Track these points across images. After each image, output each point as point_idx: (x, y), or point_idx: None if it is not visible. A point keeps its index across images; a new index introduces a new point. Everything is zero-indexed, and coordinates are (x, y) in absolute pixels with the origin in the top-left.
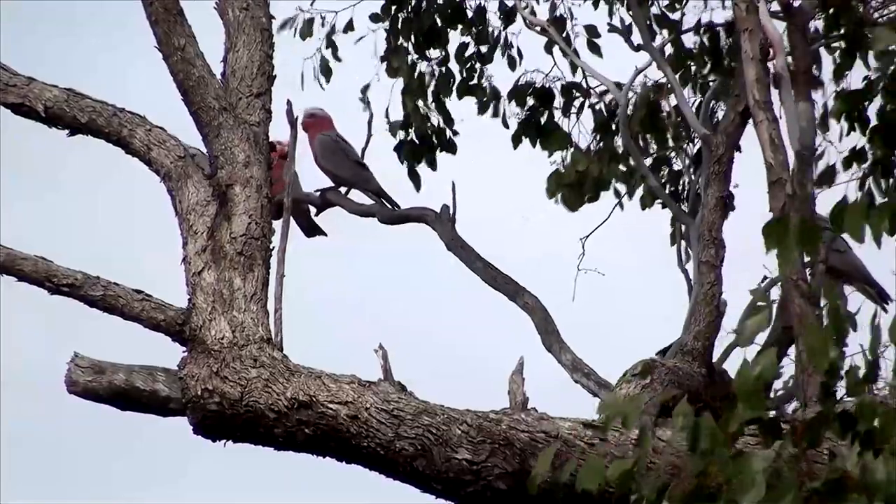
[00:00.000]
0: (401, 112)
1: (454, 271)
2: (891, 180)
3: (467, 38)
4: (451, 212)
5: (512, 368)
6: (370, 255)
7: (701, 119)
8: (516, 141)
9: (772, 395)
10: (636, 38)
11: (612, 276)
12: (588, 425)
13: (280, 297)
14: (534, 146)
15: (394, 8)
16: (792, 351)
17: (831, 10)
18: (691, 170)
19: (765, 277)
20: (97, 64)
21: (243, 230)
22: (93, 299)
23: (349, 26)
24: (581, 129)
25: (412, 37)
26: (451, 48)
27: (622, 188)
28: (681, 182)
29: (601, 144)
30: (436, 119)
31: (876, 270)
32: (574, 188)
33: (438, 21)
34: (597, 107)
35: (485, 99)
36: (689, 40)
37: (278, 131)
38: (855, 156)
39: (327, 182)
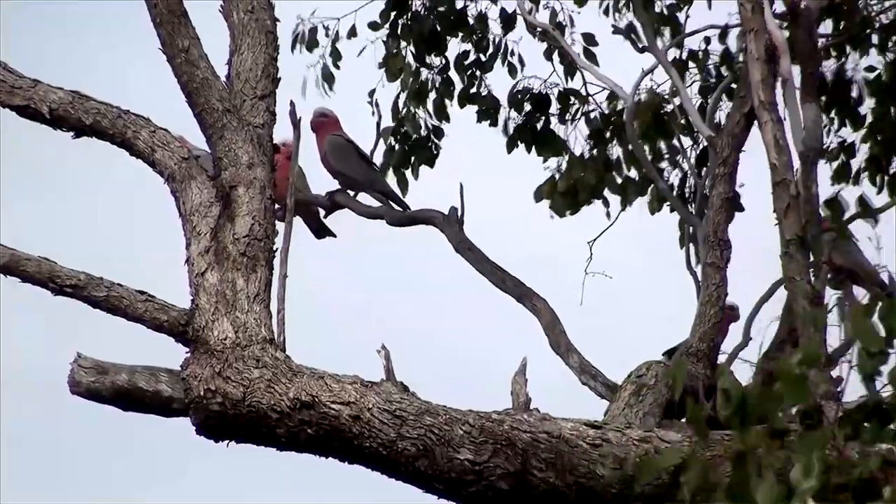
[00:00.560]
0: (392, 117)
1: (462, 273)
2: (886, 177)
3: (468, 46)
4: (460, 214)
5: (516, 370)
6: (377, 257)
7: (707, 121)
8: (511, 146)
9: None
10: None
11: (620, 278)
12: (590, 425)
13: (283, 297)
14: (528, 152)
15: (393, 14)
16: None
17: (835, 14)
18: (694, 171)
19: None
20: (97, 64)
21: (246, 231)
22: (96, 300)
23: (352, 32)
24: (578, 135)
25: (412, 43)
26: (451, 55)
27: (614, 198)
28: (686, 184)
29: (594, 152)
30: (424, 130)
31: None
32: (566, 195)
33: (438, 27)
34: (591, 114)
35: (485, 108)
36: (695, 43)
37: (282, 133)
38: (843, 150)
39: (333, 183)
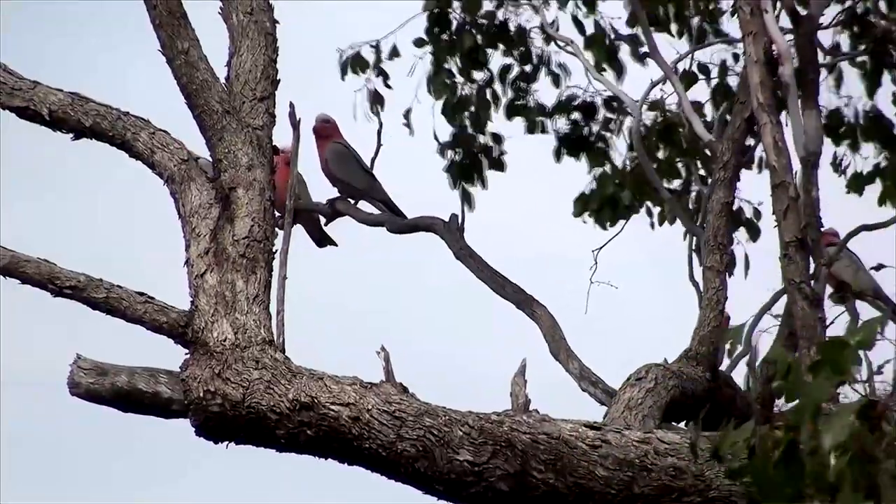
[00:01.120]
0: (443, 131)
1: (462, 280)
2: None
3: (510, 60)
4: (460, 221)
5: (515, 371)
6: (377, 264)
7: (715, 132)
8: (558, 155)
9: None
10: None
11: (623, 285)
12: (590, 427)
13: (282, 299)
14: (577, 160)
15: (436, 30)
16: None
17: (855, 28)
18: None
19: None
20: (97, 64)
21: (246, 233)
22: (96, 301)
23: (394, 53)
24: (624, 142)
25: (458, 57)
26: (494, 68)
27: (655, 209)
28: (689, 195)
29: (636, 162)
30: (483, 139)
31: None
32: (604, 209)
33: (480, 40)
34: (625, 125)
35: (534, 119)
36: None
37: (282, 136)
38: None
39: (333, 190)
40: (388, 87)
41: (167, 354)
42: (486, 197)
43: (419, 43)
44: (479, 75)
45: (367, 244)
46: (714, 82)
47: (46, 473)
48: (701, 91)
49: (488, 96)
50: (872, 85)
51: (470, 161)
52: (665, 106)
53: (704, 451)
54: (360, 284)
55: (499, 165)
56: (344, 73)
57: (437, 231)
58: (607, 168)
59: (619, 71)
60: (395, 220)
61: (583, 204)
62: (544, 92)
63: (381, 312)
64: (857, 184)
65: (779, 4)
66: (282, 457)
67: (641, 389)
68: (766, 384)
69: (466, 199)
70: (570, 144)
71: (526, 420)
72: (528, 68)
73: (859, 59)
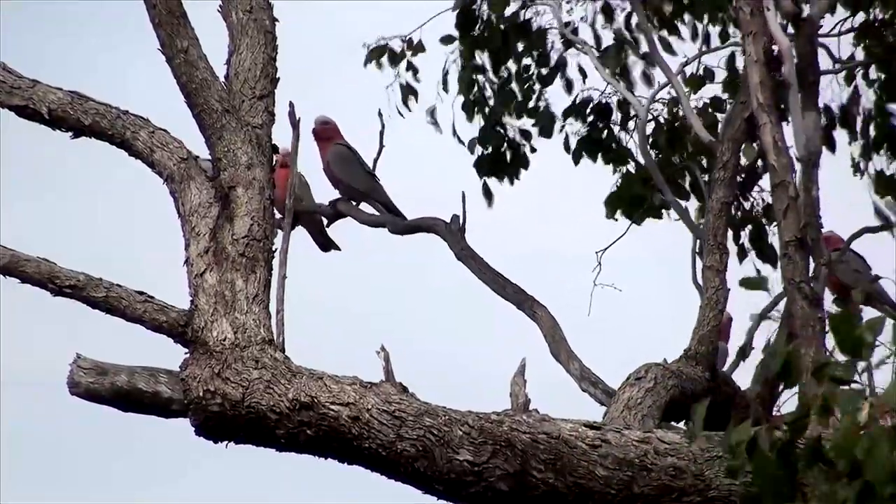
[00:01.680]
0: (467, 125)
1: (463, 281)
2: None
3: (528, 60)
4: (461, 222)
5: (515, 371)
6: (379, 264)
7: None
8: (577, 158)
9: None
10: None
11: (626, 286)
12: (590, 426)
13: (282, 298)
14: (594, 161)
15: (465, 26)
16: None
17: (866, 40)
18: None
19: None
20: (97, 63)
21: (245, 232)
22: (95, 301)
23: (419, 48)
24: (635, 143)
25: (488, 53)
26: (513, 68)
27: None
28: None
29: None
30: (512, 133)
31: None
32: (635, 205)
33: (507, 40)
34: (635, 123)
35: (545, 122)
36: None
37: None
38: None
39: (335, 192)
40: (418, 80)
41: (167, 354)
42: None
43: (447, 40)
44: (493, 76)
45: (368, 245)
46: (720, 85)
47: (46, 473)
48: (716, 91)
49: (494, 97)
50: (881, 103)
51: (497, 157)
52: (673, 109)
53: (704, 451)
54: (360, 285)
55: (523, 162)
56: (369, 62)
57: (439, 232)
58: (631, 167)
59: (629, 82)
60: (397, 222)
61: (614, 204)
62: (558, 96)
63: (381, 313)
64: (886, 184)
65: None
66: (282, 456)
67: (641, 389)
68: (765, 384)
69: (487, 194)
70: (589, 147)
71: (526, 420)
72: (544, 71)
73: (869, 70)
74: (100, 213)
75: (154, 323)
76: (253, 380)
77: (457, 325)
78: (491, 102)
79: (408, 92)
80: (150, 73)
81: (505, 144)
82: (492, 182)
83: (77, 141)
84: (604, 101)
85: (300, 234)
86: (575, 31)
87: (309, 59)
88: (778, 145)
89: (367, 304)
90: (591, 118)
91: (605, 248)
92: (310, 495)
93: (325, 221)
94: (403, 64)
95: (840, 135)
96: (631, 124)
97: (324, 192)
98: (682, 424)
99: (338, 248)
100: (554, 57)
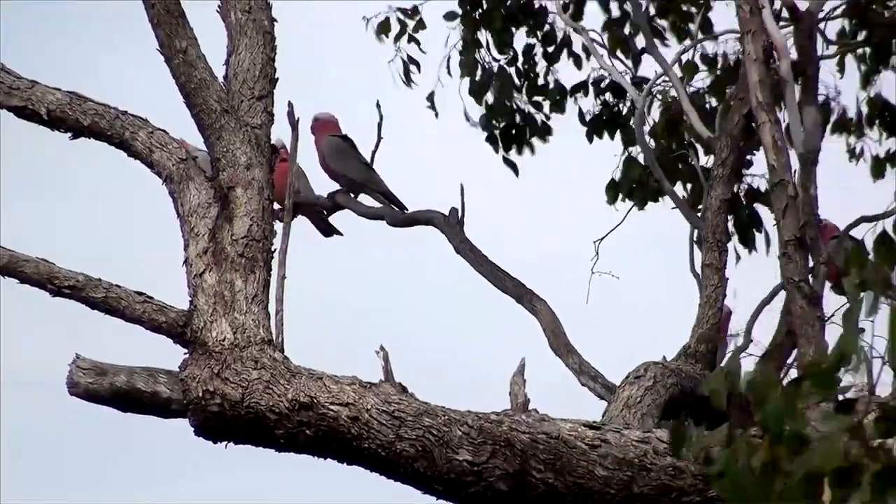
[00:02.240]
0: (476, 107)
1: (462, 274)
2: None
3: (532, 40)
4: (460, 215)
5: (514, 370)
6: (377, 258)
7: (717, 127)
8: (591, 136)
9: None
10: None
11: (625, 277)
12: (589, 426)
13: (281, 298)
14: (612, 139)
15: (468, 6)
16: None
17: (855, 18)
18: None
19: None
20: (96, 64)
21: (244, 232)
22: (94, 301)
23: (420, 25)
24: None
25: (491, 33)
26: (518, 47)
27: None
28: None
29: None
30: (525, 107)
31: None
32: (634, 193)
33: (508, 19)
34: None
35: (557, 98)
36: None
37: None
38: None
39: (331, 185)
40: (423, 51)
41: (166, 354)
42: (487, 189)
43: (450, 16)
44: (500, 55)
45: (366, 238)
46: (717, 73)
47: (46, 473)
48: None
49: (515, 74)
50: (869, 74)
51: (512, 130)
52: (668, 98)
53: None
54: (359, 283)
55: (545, 131)
56: (380, 33)
57: (437, 225)
58: (633, 151)
59: (636, 60)
60: (395, 214)
61: (614, 190)
62: (567, 73)
63: (380, 309)
64: (879, 168)
65: (777, 1)
66: (281, 457)
67: (640, 387)
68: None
69: (511, 166)
70: (604, 124)
71: (525, 419)
72: (550, 49)
73: (860, 50)
74: (99, 213)
75: (153, 323)
76: (252, 380)
77: (456, 321)
78: (495, 82)
79: (410, 64)
80: (148, 73)
81: (518, 118)
82: (491, 182)
83: (76, 141)
84: (616, 80)
85: (299, 227)
86: (575, 15)
87: (308, 56)
88: (777, 144)
89: (365, 301)
90: (604, 97)
91: (603, 237)
92: (310, 495)
93: (324, 213)
94: (405, 39)
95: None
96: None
97: (324, 186)
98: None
99: (339, 234)
100: (559, 35)
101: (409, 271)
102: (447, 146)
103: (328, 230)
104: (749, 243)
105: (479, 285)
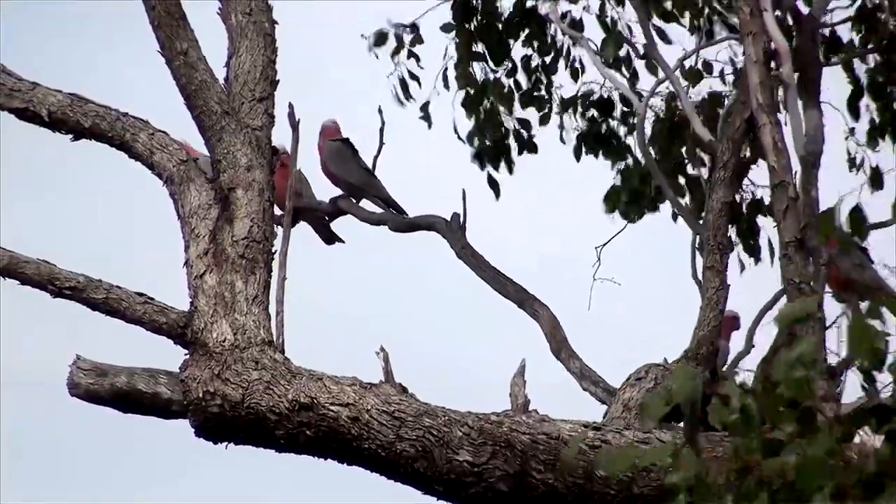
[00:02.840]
0: (465, 120)
1: (464, 279)
2: None
3: (529, 51)
4: (462, 220)
5: (515, 372)
6: (378, 263)
7: (720, 132)
8: (578, 153)
9: None
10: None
11: (626, 281)
12: (589, 427)
13: (282, 299)
14: (596, 157)
15: (462, 19)
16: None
17: (864, 26)
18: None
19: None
20: (96, 65)
21: (245, 233)
22: (95, 302)
23: (417, 39)
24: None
25: (486, 45)
26: (517, 58)
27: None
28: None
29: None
30: (511, 123)
31: None
32: (631, 202)
33: (505, 31)
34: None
35: (548, 111)
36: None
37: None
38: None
39: (334, 191)
40: (421, 67)
41: (167, 355)
42: (489, 194)
43: (447, 28)
44: (496, 67)
45: (368, 244)
46: (719, 79)
47: (46, 473)
48: (714, 85)
49: (511, 85)
50: (875, 82)
51: (498, 146)
52: (672, 103)
53: (703, 451)
54: (360, 288)
55: (532, 148)
56: (377, 45)
57: (439, 230)
58: (629, 161)
59: (633, 72)
60: (397, 220)
61: (613, 200)
62: (563, 85)
63: (381, 314)
64: (877, 179)
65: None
66: (281, 457)
67: (641, 389)
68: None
69: (493, 186)
70: (591, 141)
71: (525, 420)
72: (547, 59)
73: (869, 58)
74: (100, 215)
75: (154, 324)
76: (252, 381)
77: (457, 326)
78: (489, 96)
79: (409, 80)
80: (149, 74)
81: (506, 134)
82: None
83: (78, 143)
84: (605, 94)
85: (300, 234)
86: (574, 24)
87: (309, 58)
88: (778, 146)
89: (366, 306)
90: (591, 113)
91: (605, 244)
92: (310, 495)
93: (326, 218)
94: (403, 53)
95: (836, 131)
96: (631, 119)
97: (327, 191)
98: (682, 424)
99: (342, 241)
100: (558, 45)
101: (411, 276)
102: (448, 151)
103: (330, 238)
104: (755, 253)
105: (481, 290)
